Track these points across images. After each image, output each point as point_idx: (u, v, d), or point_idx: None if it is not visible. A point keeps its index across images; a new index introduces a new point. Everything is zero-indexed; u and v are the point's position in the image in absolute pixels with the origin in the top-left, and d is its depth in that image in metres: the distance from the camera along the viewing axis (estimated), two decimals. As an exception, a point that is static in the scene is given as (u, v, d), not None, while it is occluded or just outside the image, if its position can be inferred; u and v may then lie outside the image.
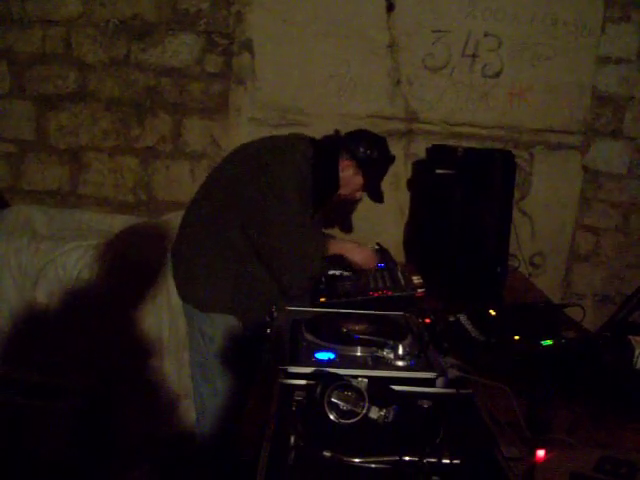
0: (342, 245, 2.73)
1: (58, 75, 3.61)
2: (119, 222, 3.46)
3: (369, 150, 2.59)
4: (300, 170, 2.46)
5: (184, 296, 2.63)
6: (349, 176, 2.60)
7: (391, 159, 2.71)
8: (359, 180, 2.64)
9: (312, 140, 2.62)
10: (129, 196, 3.71)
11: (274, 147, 2.56)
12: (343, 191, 2.64)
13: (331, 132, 2.78)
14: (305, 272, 2.43)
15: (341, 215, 3.54)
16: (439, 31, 3.41)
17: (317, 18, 3.40)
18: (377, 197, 2.71)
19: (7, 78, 3.64)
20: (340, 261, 2.68)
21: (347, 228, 3.56)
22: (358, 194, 2.74)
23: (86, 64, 3.58)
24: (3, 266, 3.07)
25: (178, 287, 2.65)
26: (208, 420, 2.62)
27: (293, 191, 2.42)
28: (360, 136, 2.66)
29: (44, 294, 3.05)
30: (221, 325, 2.54)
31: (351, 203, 3.27)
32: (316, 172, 2.49)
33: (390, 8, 3.38)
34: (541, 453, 1.31)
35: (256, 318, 2.48)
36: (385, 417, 1.30)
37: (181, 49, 3.52)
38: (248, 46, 3.47)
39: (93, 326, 2.98)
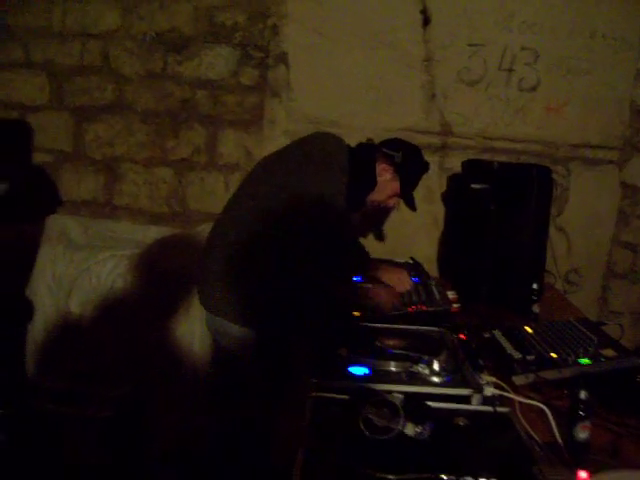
0: (378, 266, 2.73)
1: (96, 87, 3.66)
2: (153, 233, 3.48)
3: (408, 156, 2.56)
4: (339, 186, 2.41)
5: (208, 306, 2.54)
6: (386, 181, 2.56)
7: (426, 167, 2.68)
8: (395, 186, 2.58)
9: (347, 146, 2.58)
10: (163, 207, 3.74)
11: (311, 161, 2.47)
12: (377, 197, 2.58)
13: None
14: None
15: (373, 225, 3.52)
16: (475, 45, 3.39)
17: (352, 31, 3.41)
18: (412, 204, 2.67)
19: (47, 89, 3.70)
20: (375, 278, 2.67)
21: (379, 238, 3.52)
22: (391, 201, 2.69)
23: (123, 76, 3.63)
24: (39, 275, 3.11)
25: (201, 298, 2.57)
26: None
27: (335, 203, 2.39)
28: (398, 143, 2.63)
29: (77, 303, 3.07)
30: (237, 337, 2.47)
31: (384, 213, 3.24)
32: (353, 176, 2.45)
33: (426, 22, 3.38)
34: (583, 475, 1.28)
35: (274, 334, 2.45)
36: (421, 434, 1.28)
37: (217, 62, 3.55)
38: (283, 59, 3.49)
39: (125, 335, 3.00)
